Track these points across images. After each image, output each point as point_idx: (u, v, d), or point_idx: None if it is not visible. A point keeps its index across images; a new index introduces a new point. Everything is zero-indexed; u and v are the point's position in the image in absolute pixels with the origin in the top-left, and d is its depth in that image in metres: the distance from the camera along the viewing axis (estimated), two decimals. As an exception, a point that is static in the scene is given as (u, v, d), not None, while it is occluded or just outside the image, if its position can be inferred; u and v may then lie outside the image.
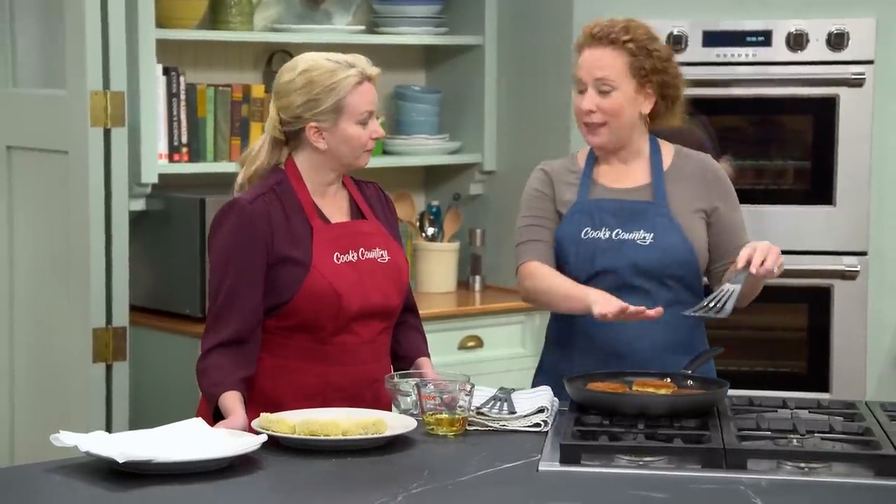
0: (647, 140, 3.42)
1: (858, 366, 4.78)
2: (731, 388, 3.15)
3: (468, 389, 3.03)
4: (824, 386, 4.81)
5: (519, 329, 4.94)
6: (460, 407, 3.02)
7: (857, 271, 4.76)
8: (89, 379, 4.21)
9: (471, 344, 4.85)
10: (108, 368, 4.25)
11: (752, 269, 3.14)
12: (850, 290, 4.77)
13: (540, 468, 2.75)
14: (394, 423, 2.95)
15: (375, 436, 2.86)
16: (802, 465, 2.72)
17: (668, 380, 3.16)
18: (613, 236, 3.33)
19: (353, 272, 3.17)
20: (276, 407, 3.06)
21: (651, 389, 3.11)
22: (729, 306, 3.15)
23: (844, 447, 2.80)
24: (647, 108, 3.36)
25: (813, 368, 4.84)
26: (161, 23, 4.51)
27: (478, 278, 5.17)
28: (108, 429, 4.22)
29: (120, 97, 4.23)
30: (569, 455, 2.76)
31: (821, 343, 4.82)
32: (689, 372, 3.22)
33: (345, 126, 3.15)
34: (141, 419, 4.39)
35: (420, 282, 5.10)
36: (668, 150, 3.44)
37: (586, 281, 3.32)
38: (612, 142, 3.37)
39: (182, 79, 4.56)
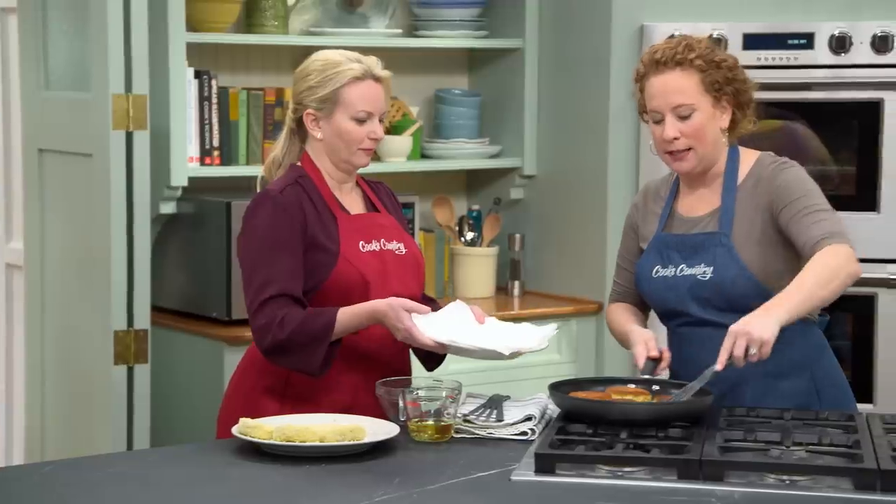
0: (726, 154, 3.26)
1: (904, 375, 4.66)
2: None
3: (454, 396, 3.00)
4: (868, 397, 4.69)
5: (556, 336, 4.86)
6: (447, 414, 2.99)
7: (901, 279, 4.64)
8: (111, 380, 4.24)
9: (504, 350, 4.78)
10: (130, 370, 4.27)
11: (717, 367, 2.98)
12: (895, 299, 4.65)
13: (513, 477, 2.70)
14: (374, 429, 2.92)
15: (351, 442, 2.84)
16: (784, 477, 2.65)
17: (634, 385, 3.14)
18: (678, 273, 3.23)
19: (377, 261, 3.24)
20: (308, 403, 3.12)
21: (630, 397, 3.06)
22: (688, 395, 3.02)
23: (826, 460, 2.71)
24: (725, 122, 3.21)
25: (857, 379, 4.70)
26: (194, 26, 4.53)
27: (517, 284, 5.11)
28: (130, 430, 4.26)
29: (142, 100, 4.24)
30: (543, 464, 2.71)
31: (865, 353, 4.70)
32: (654, 376, 3.14)
33: (339, 118, 3.23)
34: (165, 420, 4.42)
35: (458, 286, 5.06)
36: (748, 160, 3.26)
37: (663, 317, 3.29)
38: (699, 165, 3.22)
39: (214, 82, 4.56)
